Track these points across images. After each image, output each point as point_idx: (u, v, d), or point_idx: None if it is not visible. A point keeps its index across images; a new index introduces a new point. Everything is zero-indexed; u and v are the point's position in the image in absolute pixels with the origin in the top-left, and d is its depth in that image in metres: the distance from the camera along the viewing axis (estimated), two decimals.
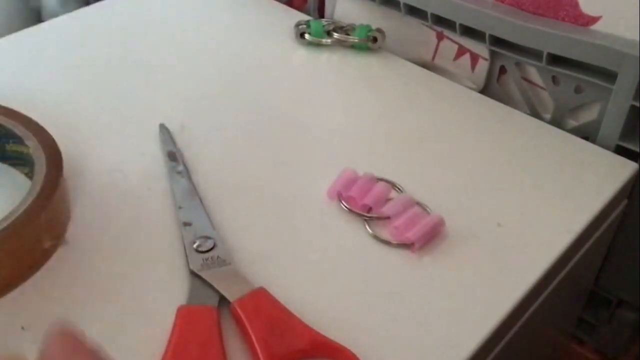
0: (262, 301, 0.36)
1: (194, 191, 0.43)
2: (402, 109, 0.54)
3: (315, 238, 0.42)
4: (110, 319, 0.36)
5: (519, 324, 0.40)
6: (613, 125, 0.49)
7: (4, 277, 0.36)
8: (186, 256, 0.39)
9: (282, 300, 0.36)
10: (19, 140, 0.42)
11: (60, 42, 0.59)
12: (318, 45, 0.60)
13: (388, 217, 0.42)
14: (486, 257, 0.41)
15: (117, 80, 0.55)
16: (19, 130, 0.43)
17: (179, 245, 0.40)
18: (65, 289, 0.37)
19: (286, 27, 0.62)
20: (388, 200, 0.44)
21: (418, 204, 0.43)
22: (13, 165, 0.45)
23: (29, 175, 0.42)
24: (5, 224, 0.36)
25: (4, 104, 0.45)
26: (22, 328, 0.35)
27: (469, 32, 0.55)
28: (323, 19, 0.63)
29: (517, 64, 0.55)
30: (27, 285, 0.37)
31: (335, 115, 0.53)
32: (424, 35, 0.59)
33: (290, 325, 0.35)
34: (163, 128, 0.49)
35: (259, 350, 0.33)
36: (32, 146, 0.42)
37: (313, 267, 0.40)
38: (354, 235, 0.42)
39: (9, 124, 0.43)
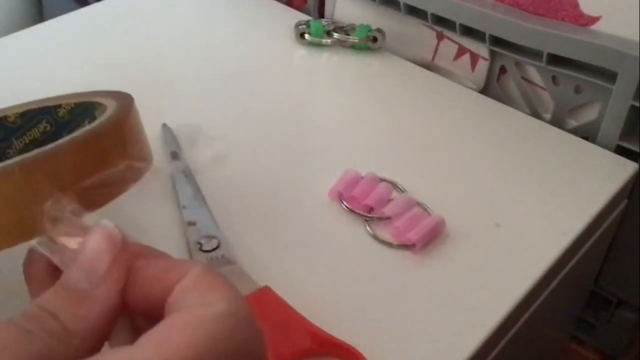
0: (267, 300, 0.36)
1: (197, 190, 0.43)
2: (402, 109, 0.54)
3: (317, 238, 0.42)
4: None
5: (519, 323, 0.40)
6: (613, 125, 0.50)
7: None
8: (190, 255, 0.39)
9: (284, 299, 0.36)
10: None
11: (61, 42, 0.59)
12: (318, 45, 0.60)
13: (389, 218, 0.42)
14: (486, 257, 0.41)
15: (116, 80, 0.55)
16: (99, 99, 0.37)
17: (183, 245, 0.40)
18: None
19: (286, 27, 0.62)
20: (389, 200, 0.44)
21: (419, 204, 0.43)
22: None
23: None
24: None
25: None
26: None
27: (469, 32, 0.55)
28: (323, 19, 0.63)
29: (517, 64, 0.55)
30: None
31: (336, 115, 0.53)
32: (424, 35, 0.59)
33: (296, 324, 0.35)
34: (165, 128, 0.49)
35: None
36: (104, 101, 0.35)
37: (315, 267, 0.40)
38: (355, 236, 0.42)
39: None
